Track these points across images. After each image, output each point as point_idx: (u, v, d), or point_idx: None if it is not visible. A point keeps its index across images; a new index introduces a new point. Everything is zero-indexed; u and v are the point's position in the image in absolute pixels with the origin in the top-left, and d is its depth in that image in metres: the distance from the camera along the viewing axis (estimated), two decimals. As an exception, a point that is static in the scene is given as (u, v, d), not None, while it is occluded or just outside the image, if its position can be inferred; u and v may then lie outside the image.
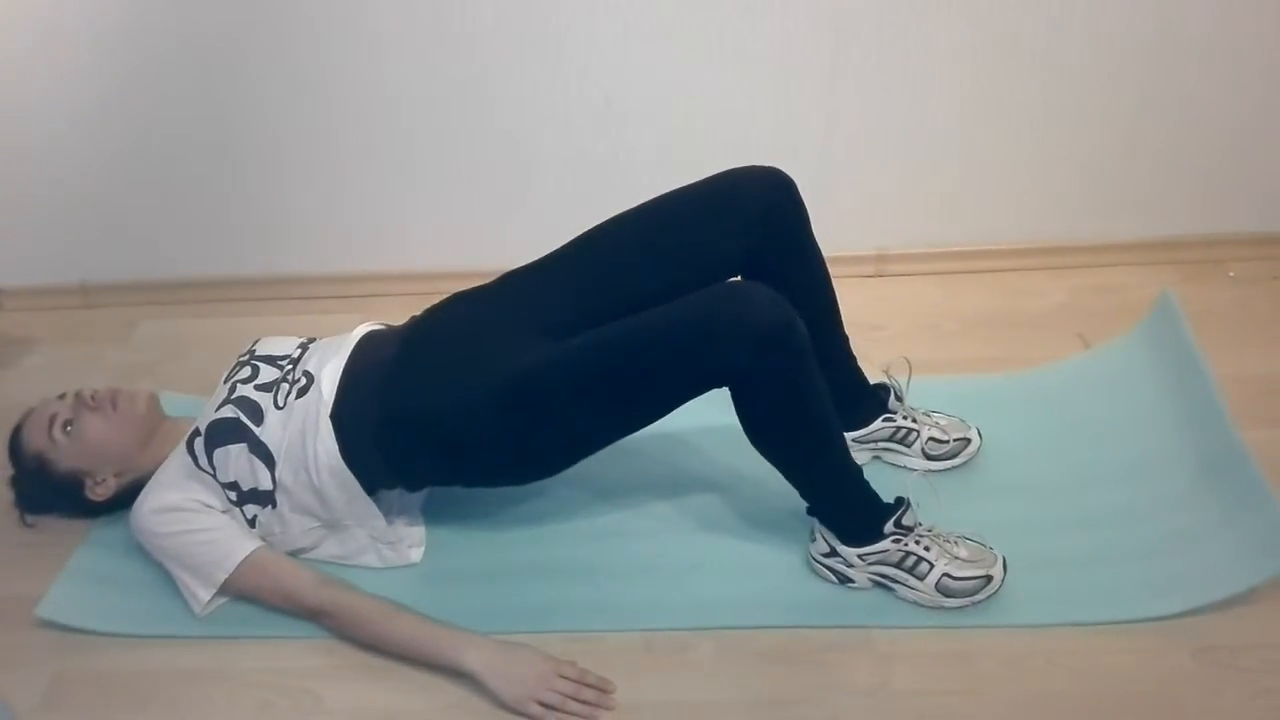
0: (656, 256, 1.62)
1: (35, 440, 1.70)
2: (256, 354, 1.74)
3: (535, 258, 2.30)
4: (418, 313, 1.73)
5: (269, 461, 1.60)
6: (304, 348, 1.73)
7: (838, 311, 1.73)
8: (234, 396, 1.65)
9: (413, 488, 1.69)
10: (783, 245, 1.64)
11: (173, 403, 1.85)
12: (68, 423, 1.69)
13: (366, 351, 1.65)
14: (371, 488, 1.61)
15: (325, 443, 1.57)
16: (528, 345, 1.54)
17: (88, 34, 2.07)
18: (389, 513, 1.68)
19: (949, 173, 2.20)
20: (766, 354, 1.40)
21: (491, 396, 1.51)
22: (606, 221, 1.67)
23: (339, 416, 1.58)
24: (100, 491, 1.71)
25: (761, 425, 1.50)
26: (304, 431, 1.59)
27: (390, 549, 1.68)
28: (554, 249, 1.70)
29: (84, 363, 2.24)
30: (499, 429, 1.52)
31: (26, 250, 2.37)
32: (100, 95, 2.15)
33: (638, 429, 1.54)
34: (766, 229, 1.62)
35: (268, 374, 1.69)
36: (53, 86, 2.14)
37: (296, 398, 1.62)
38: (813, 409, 1.48)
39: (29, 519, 1.79)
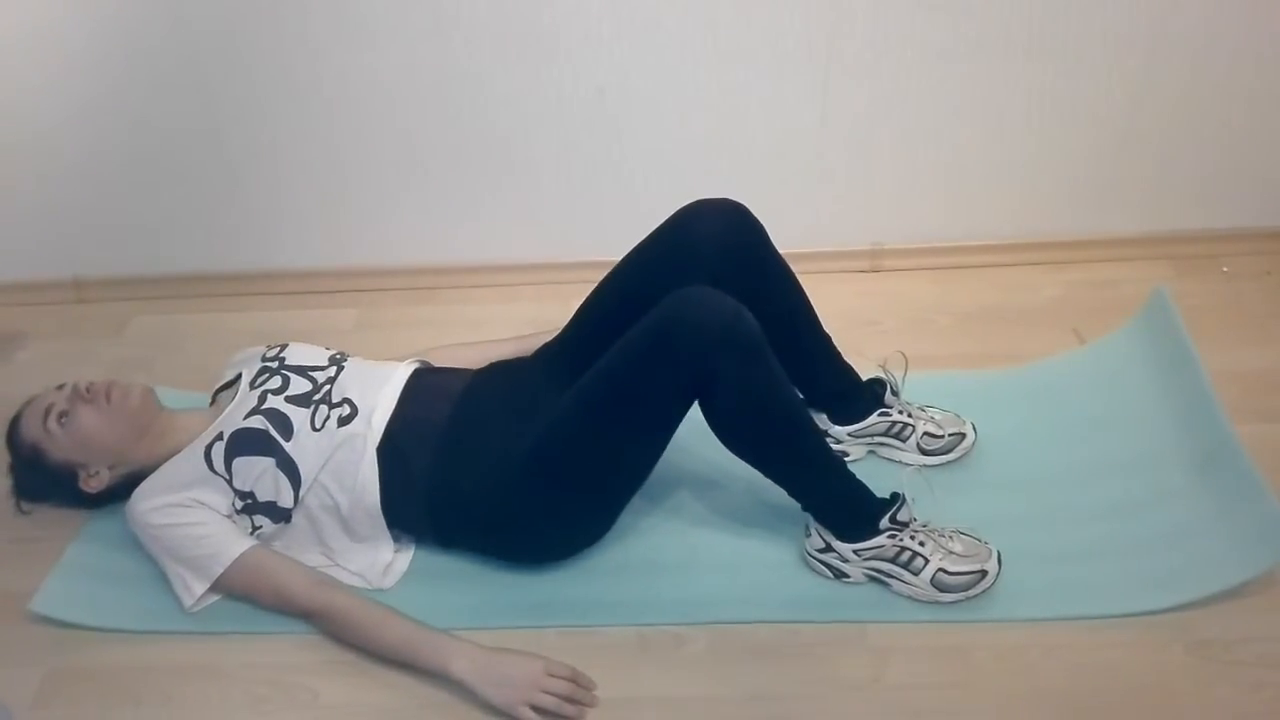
0: (631, 309, 1.60)
1: (31, 430, 1.69)
2: (287, 363, 1.73)
3: (528, 252, 2.30)
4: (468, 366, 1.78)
5: (296, 481, 1.60)
6: (337, 365, 1.73)
7: (814, 315, 1.75)
8: (264, 407, 1.65)
9: (446, 545, 1.70)
10: (744, 272, 1.66)
11: (166, 398, 1.84)
12: (63, 414, 1.68)
13: (417, 400, 1.67)
14: (391, 525, 1.64)
15: (367, 478, 1.60)
16: (538, 418, 1.58)
17: (81, 28, 2.06)
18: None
19: (944, 168, 2.20)
20: (721, 347, 1.44)
21: (518, 474, 1.56)
22: (603, 279, 1.73)
23: (385, 456, 1.61)
24: (94, 484, 1.71)
25: (731, 424, 1.53)
26: (345, 462, 1.61)
27: (367, 585, 1.67)
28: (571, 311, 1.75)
29: (77, 358, 2.23)
30: (533, 502, 1.58)
31: (19, 245, 2.36)
32: (93, 90, 2.14)
33: (654, 456, 1.58)
34: (725, 260, 1.65)
35: (299, 385, 1.69)
36: (45, 81, 2.13)
37: (338, 425, 1.63)
38: (777, 398, 1.50)
39: (25, 506, 1.79)
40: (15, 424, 1.72)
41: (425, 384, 1.71)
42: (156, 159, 2.23)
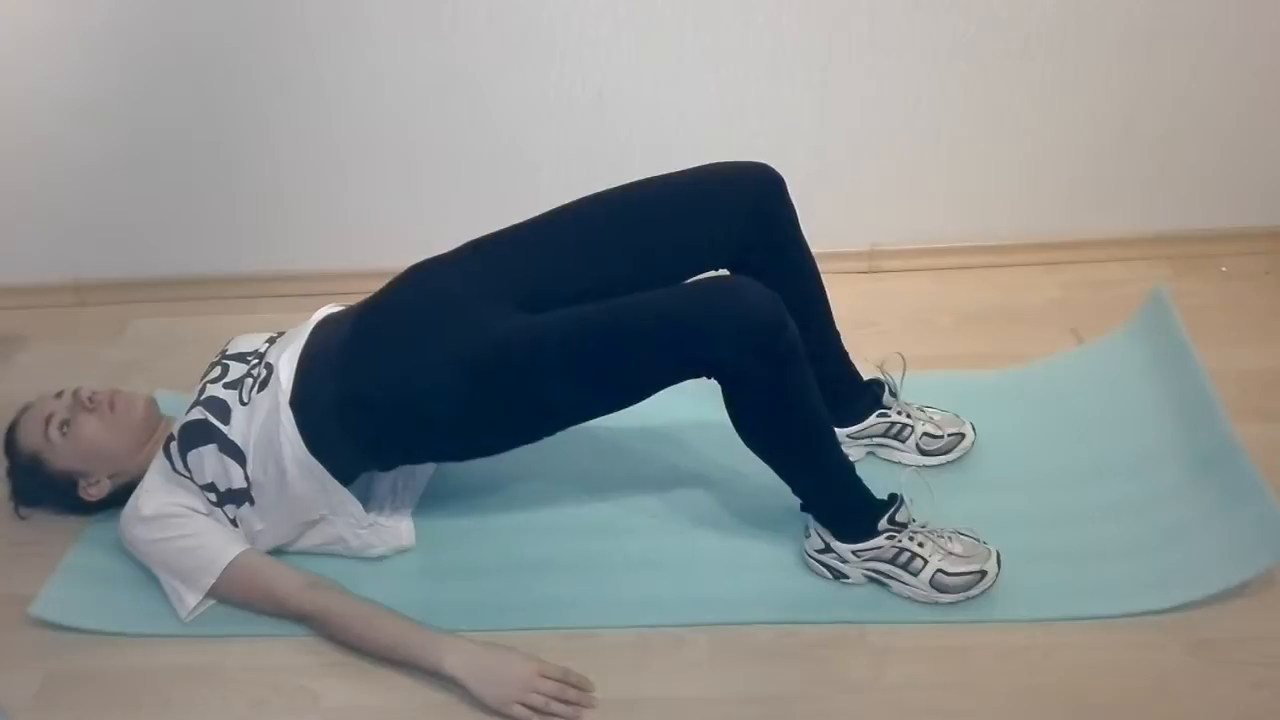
0: (640, 240, 1.60)
1: (31, 439, 1.69)
2: (227, 353, 1.73)
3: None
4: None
5: (240, 459, 1.59)
6: (271, 341, 1.72)
7: (828, 309, 1.73)
8: (203, 398, 1.64)
9: (384, 467, 1.67)
10: (770, 242, 1.64)
11: (165, 401, 1.85)
12: (64, 423, 1.68)
13: (322, 334, 1.63)
14: (344, 475, 1.60)
15: (289, 433, 1.55)
16: (498, 316, 1.51)
17: (79, 29, 2.07)
18: (373, 500, 1.69)
19: (942, 168, 2.20)
20: (757, 354, 1.40)
21: (460, 367, 1.48)
22: (587, 197, 1.65)
23: (298, 403, 1.56)
24: (93, 492, 1.71)
25: (751, 423, 1.50)
26: (266, 424, 1.57)
27: (371, 532, 1.66)
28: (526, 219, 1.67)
29: (76, 361, 2.23)
30: (468, 401, 1.49)
31: (18, 248, 2.36)
32: (92, 92, 2.14)
33: (614, 410, 1.52)
34: (755, 225, 1.62)
35: (236, 371, 1.67)
36: (44, 83, 2.13)
37: (258, 391, 1.60)
38: (803, 408, 1.48)
39: (23, 511, 1.79)
40: (13, 431, 1.72)
41: (328, 321, 1.67)
42: (156, 162, 2.23)
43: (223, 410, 1.61)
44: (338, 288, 2.36)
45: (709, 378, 1.45)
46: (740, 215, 1.61)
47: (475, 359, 1.48)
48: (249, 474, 1.59)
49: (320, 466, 1.56)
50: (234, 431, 1.59)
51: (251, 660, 1.58)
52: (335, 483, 1.59)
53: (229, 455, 1.58)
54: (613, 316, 1.45)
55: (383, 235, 2.32)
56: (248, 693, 1.54)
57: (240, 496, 1.60)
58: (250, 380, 1.63)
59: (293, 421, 1.55)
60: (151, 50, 2.09)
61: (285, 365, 1.59)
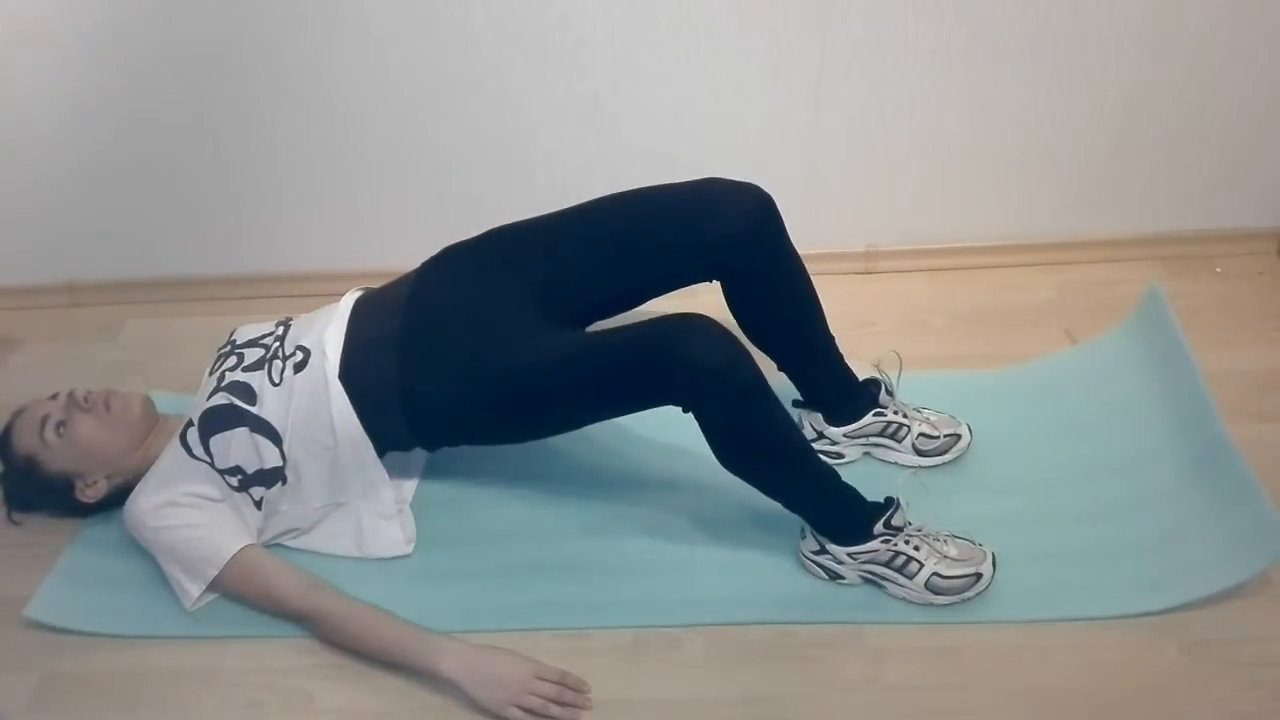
0: (633, 253, 1.67)
1: (26, 441, 1.69)
2: (237, 343, 1.74)
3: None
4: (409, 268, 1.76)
5: (275, 438, 1.61)
6: (284, 325, 1.74)
7: (821, 315, 1.74)
8: (224, 384, 1.65)
9: (431, 449, 1.73)
10: (760, 263, 1.67)
11: (162, 401, 1.84)
12: (60, 424, 1.68)
13: (367, 319, 1.67)
14: (383, 450, 1.65)
15: (340, 408, 1.60)
16: (526, 330, 1.59)
17: (73, 30, 2.06)
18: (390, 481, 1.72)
19: (938, 169, 2.21)
20: (714, 396, 1.46)
21: (499, 386, 1.58)
22: (593, 202, 1.71)
23: (350, 381, 1.61)
24: (91, 493, 1.71)
25: (725, 453, 1.54)
26: (313, 401, 1.60)
27: (388, 524, 1.69)
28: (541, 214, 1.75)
29: (71, 362, 2.23)
30: (500, 410, 1.60)
31: (12, 249, 2.35)
32: (87, 93, 2.14)
33: (622, 415, 1.63)
34: (745, 247, 1.65)
35: (253, 355, 1.69)
36: (38, 84, 2.13)
37: (295, 373, 1.63)
38: (773, 434, 1.51)
39: (16, 517, 1.78)
40: (7, 435, 1.72)
41: (369, 304, 1.71)
42: (151, 162, 2.23)
43: (248, 393, 1.63)
44: (334, 288, 2.34)
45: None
46: (728, 237, 1.64)
47: (509, 382, 1.57)
48: (285, 452, 1.61)
49: (366, 439, 1.62)
50: (266, 411, 1.61)
51: (247, 662, 1.58)
52: (377, 461, 1.64)
53: (262, 435, 1.61)
54: (594, 351, 1.54)
55: (377, 236, 2.32)
56: (243, 694, 1.54)
57: (272, 476, 1.62)
58: (279, 362, 1.66)
59: (344, 397, 1.60)
60: (147, 50, 2.08)
61: (331, 344, 1.64)
